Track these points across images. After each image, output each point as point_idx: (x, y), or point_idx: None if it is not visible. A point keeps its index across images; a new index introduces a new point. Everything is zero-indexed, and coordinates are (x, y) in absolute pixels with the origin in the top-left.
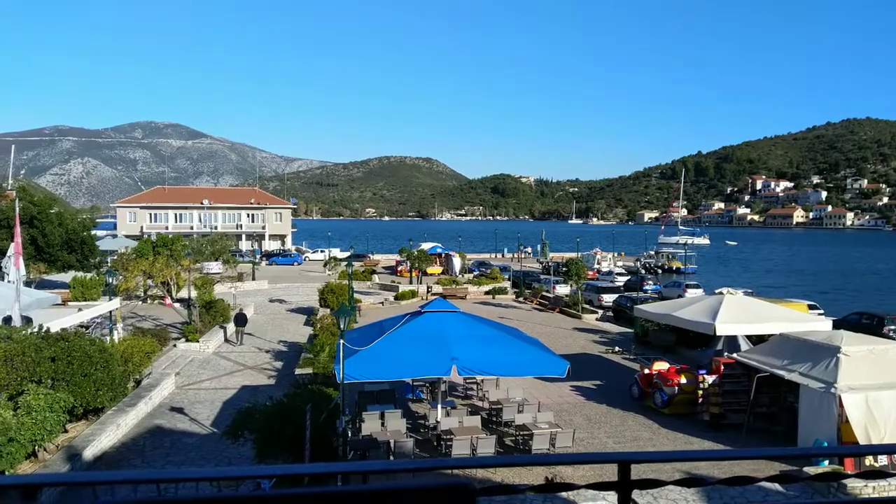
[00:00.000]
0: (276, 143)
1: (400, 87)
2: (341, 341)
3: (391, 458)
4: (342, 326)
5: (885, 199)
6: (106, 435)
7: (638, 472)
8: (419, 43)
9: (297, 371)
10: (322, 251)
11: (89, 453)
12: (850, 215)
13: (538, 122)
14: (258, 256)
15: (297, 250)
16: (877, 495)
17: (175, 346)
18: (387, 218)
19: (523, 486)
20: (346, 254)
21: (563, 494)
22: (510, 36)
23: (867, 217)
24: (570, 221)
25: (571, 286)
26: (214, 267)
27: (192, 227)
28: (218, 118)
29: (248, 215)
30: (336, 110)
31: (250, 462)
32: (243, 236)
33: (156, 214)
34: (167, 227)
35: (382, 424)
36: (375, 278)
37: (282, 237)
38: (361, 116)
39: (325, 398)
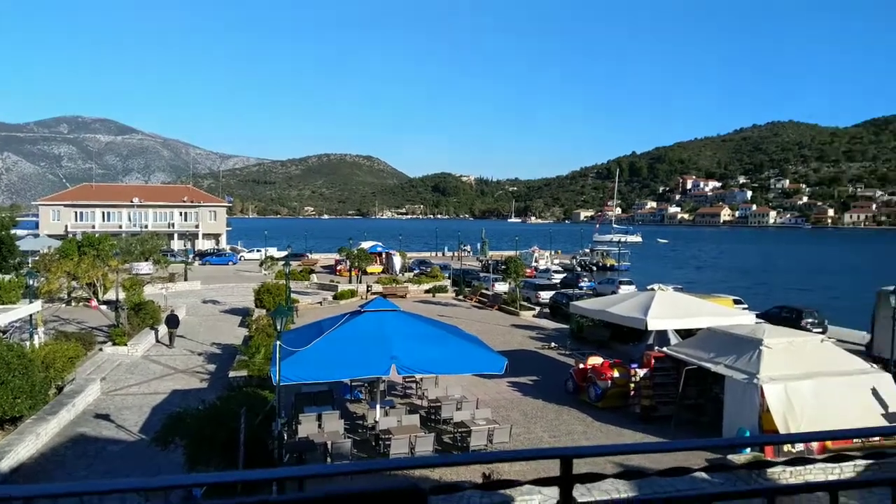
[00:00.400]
0: (211, 140)
1: (340, 84)
2: (278, 342)
3: (328, 459)
4: (279, 327)
5: (805, 199)
6: (24, 445)
7: (578, 465)
8: (357, 41)
9: (231, 373)
10: (258, 250)
11: (5, 465)
12: (773, 214)
13: (479, 122)
14: (191, 256)
15: (233, 249)
16: (794, 480)
17: (101, 350)
18: (326, 216)
19: (468, 484)
20: (284, 253)
21: (502, 490)
22: (448, 36)
23: (788, 215)
24: (509, 220)
25: (510, 284)
26: (144, 267)
27: (120, 227)
28: (150, 113)
29: (180, 214)
30: (274, 107)
31: (181, 469)
32: (175, 235)
33: (82, 213)
34: (94, 227)
35: (320, 426)
36: (314, 278)
37: (216, 236)
38: (300, 113)
39: (260, 401)
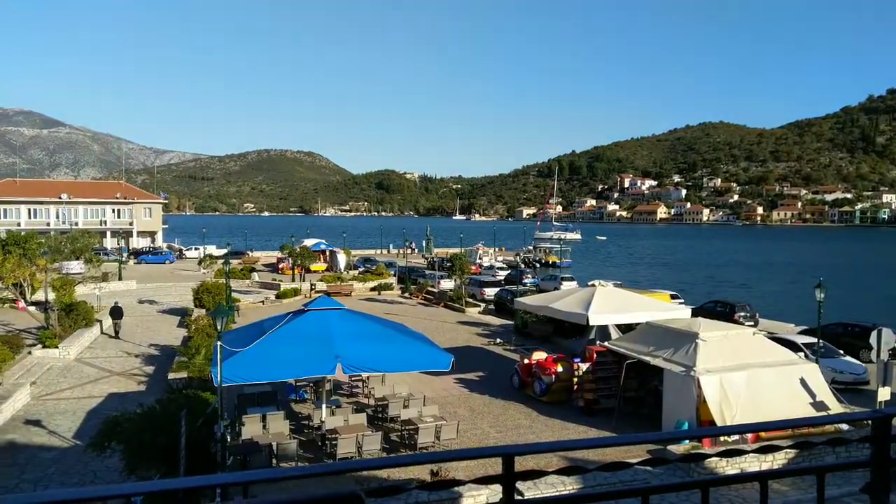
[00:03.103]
0: (144, 134)
1: (280, 78)
2: (218, 343)
3: (274, 461)
4: (219, 327)
5: (736, 197)
6: None
7: (522, 462)
8: (298, 35)
9: (171, 375)
10: (197, 248)
11: None
12: (706, 211)
13: (422, 119)
14: (125, 255)
15: (169, 248)
16: (730, 470)
17: (30, 353)
18: (267, 213)
19: (411, 483)
20: (223, 251)
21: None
22: (391, 31)
23: (721, 213)
24: (454, 218)
25: (455, 281)
26: (75, 267)
27: (48, 224)
28: (78, 106)
29: (113, 210)
30: (211, 101)
31: (119, 476)
32: (108, 233)
33: (5, 210)
34: (19, 224)
35: (264, 427)
36: (255, 276)
37: (152, 234)
38: (238, 108)
39: (201, 403)
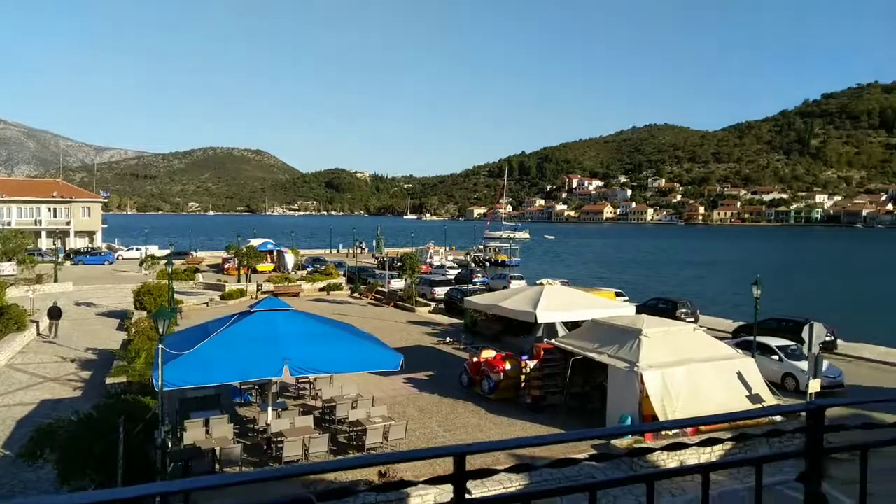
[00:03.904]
0: (83, 131)
1: (228, 74)
2: (160, 346)
3: (217, 466)
4: (161, 330)
5: (679, 197)
6: None
7: (472, 461)
8: (246, 30)
9: (109, 380)
10: (138, 249)
11: None
12: (650, 211)
13: (372, 118)
14: (61, 255)
15: (109, 248)
16: (671, 463)
17: None
18: (212, 212)
19: (362, 486)
20: (166, 251)
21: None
22: (340, 29)
23: (664, 213)
24: (405, 217)
25: (406, 280)
26: (7, 268)
27: None
28: (11, 100)
29: (49, 210)
30: (156, 96)
31: (52, 486)
32: (43, 233)
33: None
34: None
35: (207, 432)
36: (199, 277)
37: (90, 234)
38: (184, 104)
39: (141, 408)
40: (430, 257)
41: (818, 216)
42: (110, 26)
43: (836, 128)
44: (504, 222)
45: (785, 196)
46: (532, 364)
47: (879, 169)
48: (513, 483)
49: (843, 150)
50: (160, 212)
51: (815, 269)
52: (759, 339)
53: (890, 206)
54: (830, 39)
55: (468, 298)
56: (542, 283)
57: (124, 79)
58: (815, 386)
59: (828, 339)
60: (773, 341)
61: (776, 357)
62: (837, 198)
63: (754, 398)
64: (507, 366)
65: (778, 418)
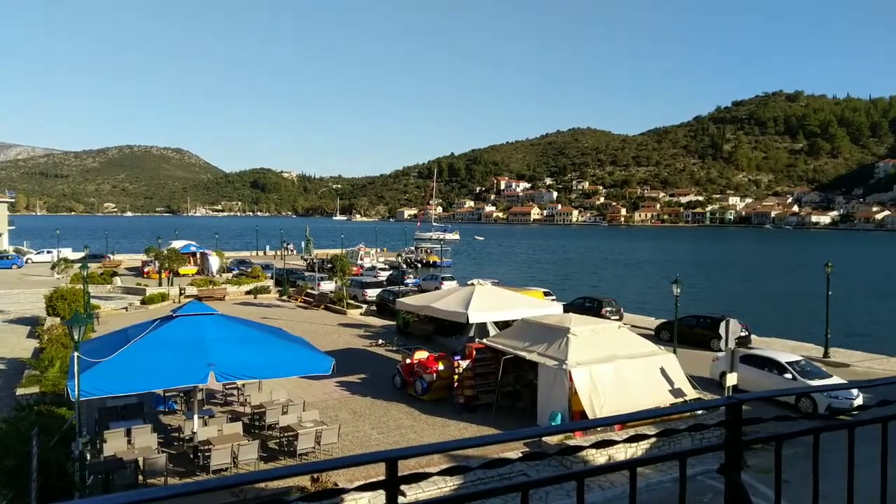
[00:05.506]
0: None
1: (145, 68)
2: (76, 353)
3: (141, 477)
4: (76, 337)
5: (602, 199)
6: None
7: (405, 464)
8: (167, 20)
9: (20, 391)
10: (49, 251)
11: None
12: (575, 213)
13: (301, 117)
14: None
15: (17, 251)
16: (600, 459)
17: None
18: (130, 213)
19: (294, 493)
20: (81, 254)
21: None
22: (267, 26)
23: (589, 214)
24: (334, 218)
25: (336, 282)
26: None
27: None
28: None
29: None
30: (66, 90)
31: None
32: None
33: None
34: None
35: (129, 442)
36: (117, 281)
37: None
38: (98, 99)
39: (56, 419)
40: (361, 259)
41: (731, 217)
42: (15, 15)
43: (745, 133)
44: (434, 223)
45: (700, 198)
46: (465, 364)
47: (785, 173)
48: (447, 484)
49: (752, 154)
50: (73, 213)
51: (729, 268)
52: (767, 354)
53: (796, 208)
54: (740, 45)
55: (400, 300)
56: (473, 284)
57: (31, 74)
58: (731, 380)
59: (742, 334)
60: (782, 356)
61: (788, 376)
62: (748, 200)
63: (677, 392)
64: (440, 366)
65: (700, 412)
